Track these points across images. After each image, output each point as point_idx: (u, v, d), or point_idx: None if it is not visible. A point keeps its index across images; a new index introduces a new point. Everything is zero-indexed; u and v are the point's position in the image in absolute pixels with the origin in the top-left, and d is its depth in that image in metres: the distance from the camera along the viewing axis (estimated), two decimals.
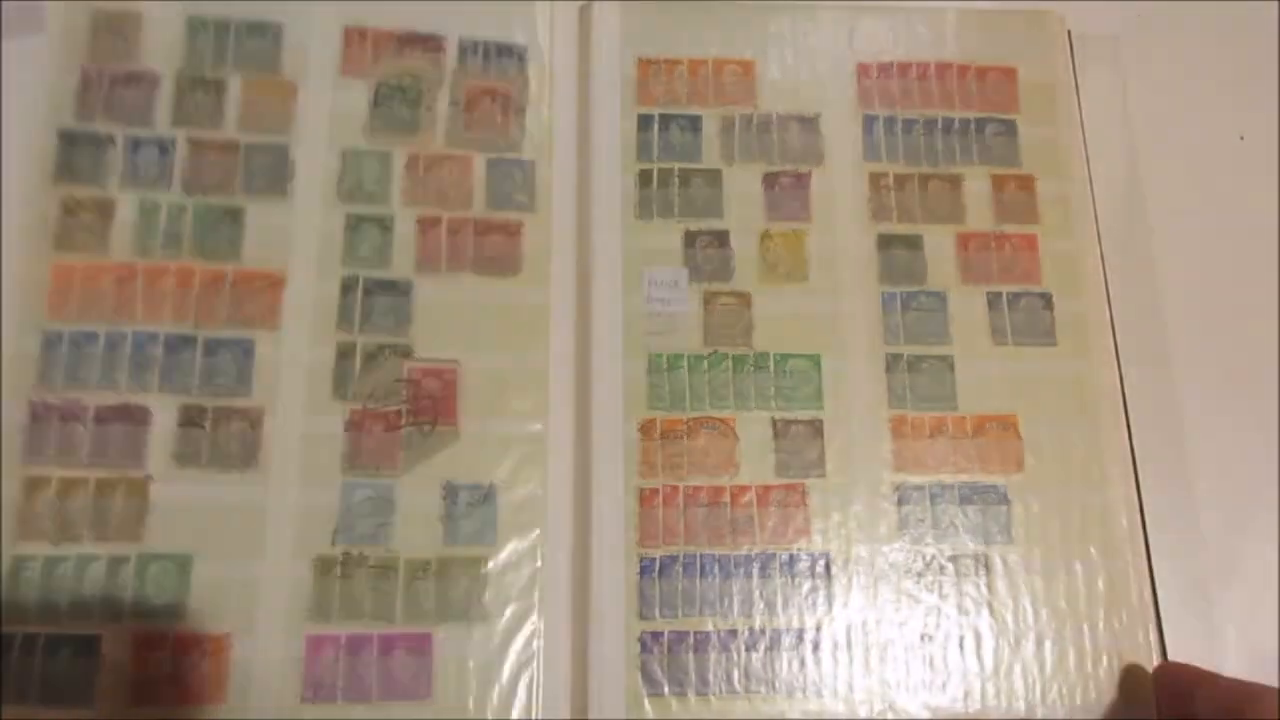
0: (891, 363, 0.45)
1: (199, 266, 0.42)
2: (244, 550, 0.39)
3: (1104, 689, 0.42)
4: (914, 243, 0.47)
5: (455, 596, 0.40)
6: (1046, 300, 0.47)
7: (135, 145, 0.43)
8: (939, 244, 0.47)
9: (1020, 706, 0.41)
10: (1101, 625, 0.43)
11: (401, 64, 0.46)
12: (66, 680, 0.37)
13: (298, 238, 0.43)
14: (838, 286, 0.46)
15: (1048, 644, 0.43)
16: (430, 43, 0.47)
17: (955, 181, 0.48)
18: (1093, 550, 0.44)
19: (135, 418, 0.40)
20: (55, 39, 0.44)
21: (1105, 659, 0.43)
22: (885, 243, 0.47)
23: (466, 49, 0.47)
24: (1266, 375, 0.47)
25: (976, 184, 0.48)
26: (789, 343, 0.45)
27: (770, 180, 0.47)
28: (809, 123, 0.48)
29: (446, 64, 0.46)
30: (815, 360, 0.45)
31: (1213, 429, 0.46)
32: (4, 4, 0.42)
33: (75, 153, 0.43)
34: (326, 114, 0.45)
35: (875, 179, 0.48)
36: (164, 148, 0.43)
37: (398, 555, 0.40)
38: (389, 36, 0.46)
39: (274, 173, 0.44)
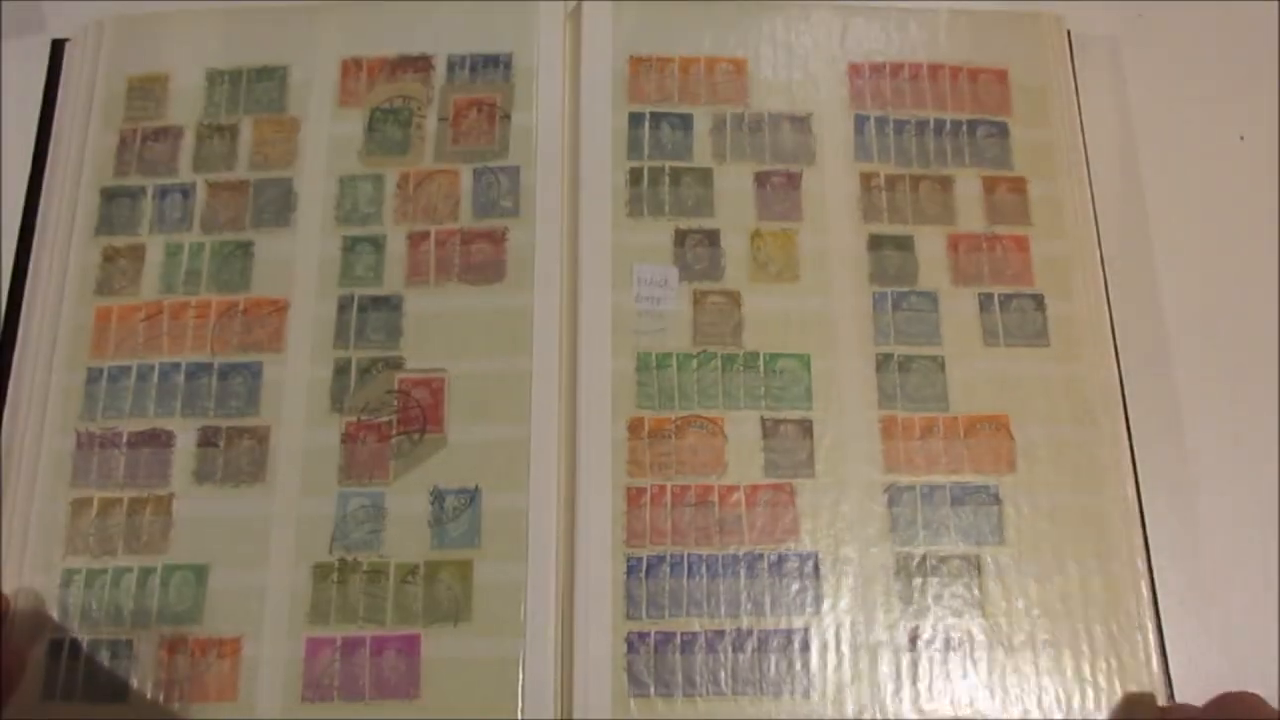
0: (882, 363, 0.44)
1: (215, 299, 0.45)
2: (253, 559, 0.42)
3: (1099, 692, 0.40)
4: (905, 243, 0.46)
5: (442, 599, 0.40)
6: (1038, 301, 0.45)
7: (163, 193, 0.47)
8: (930, 245, 0.46)
9: (1013, 711, 0.39)
10: (1096, 628, 0.40)
11: (393, 87, 0.48)
12: (105, 681, 0.41)
13: (300, 264, 0.46)
14: (828, 286, 0.45)
15: (1040, 647, 0.40)
16: (420, 63, 0.48)
17: (946, 183, 0.47)
18: (1086, 552, 0.42)
19: (161, 441, 0.44)
20: (98, 106, 0.48)
21: (1100, 662, 0.40)
22: (876, 243, 0.46)
23: (455, 64, 0.48)
24: (1266, 375, 0.45)
25: (968, 185, 0.47)
26: (779, 342, 0.44)
27: (762, 179, 0.47)
28: (801, 122, 0.48)
29: (435, 81, 0.48)
30: (805, 360, 0.44)
31: (1213, 428, 0.45)
32: (3, 4, 0.47)
33: (114, 206, 0.47)
34: (325, 144, 0.47)
35: (866, 179, 0.47)
36: (186, 193, 0.47)
37: (388, 560, 0.41)
38: (382, 63, 0.48)
39: (279, 205, 0.47)
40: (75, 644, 0.41)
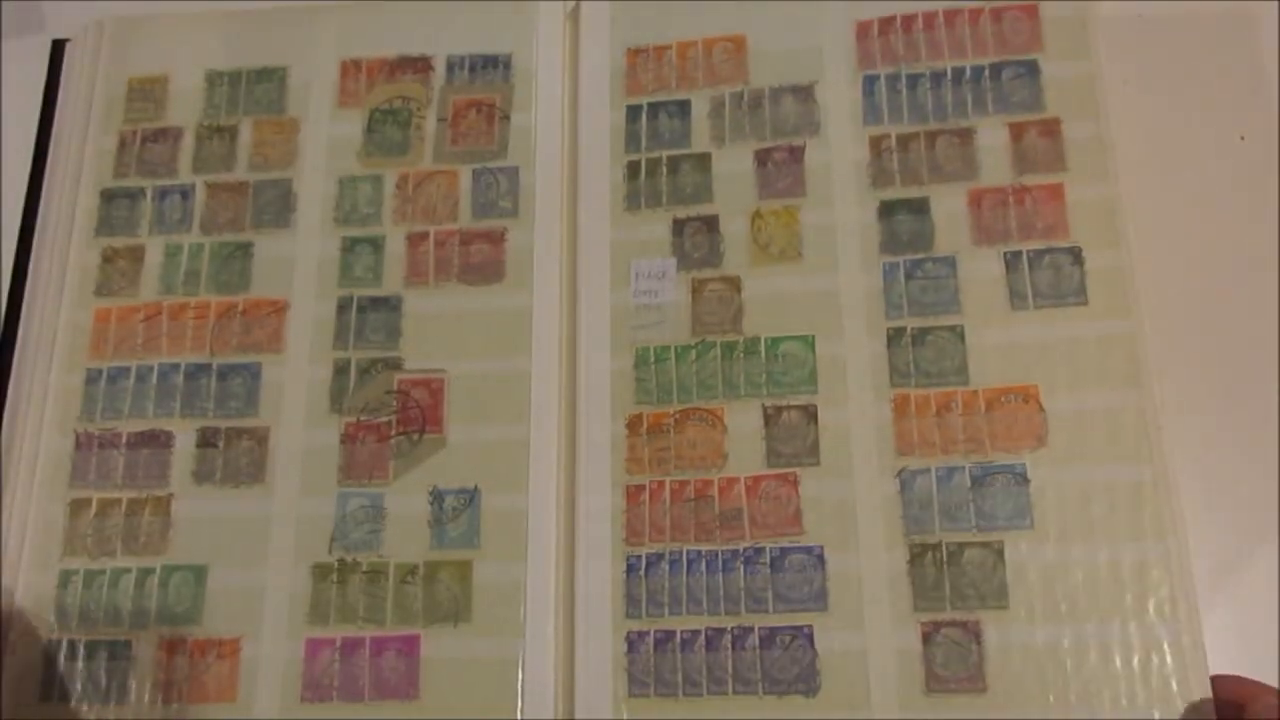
0: (893, 338, 0.43)
1: (214, 300, 0.46)
2: (252, 559, 0.43)
3: (1138, 690, 0.37)
4: (919, 206, 0.44)
5: (442, 599, 0.40)
6: (1075, 255, 0.43)
7: (162, 195, 0.47)
8: (948, 205, 0.44)
9: (1041, 709, 0.37)
10: (1136, 619, 0.38)
11: (393, 88, 0.47)
12: (104, 682, 0.40)
13: (299, 265, 0.46)
14: (834, 262, 0.44)
15: (1074, 639, 0.38)
16: (419, 64, 0.48)
17: (966, 135, 0.45)
18: (1129, 533, 0.39)
19: (160, 441, 0.44)
20: (98, 107, 0.48)
21: (1140, 655, 0.37)
22: (887, 210, 0.44)
23: (454, 65, 0.48)
24: (1265, 380, 0.43)
25: (991, 135, 0.45)
26: (781, 325, 0.43)
27: (762, 157, 0.46)
28: (803, 92, 0.47)
29: (435, 82, 0.48)
30: (809, 342, 0.43)
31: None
32: (3, 4, 0.47)
33: (113, 208, 0.47)
34: (325, 145, 0.48)
35: (876, 143, 0.45)
36: (185, 194, 0.47)
37: (388, 561, 0.41)
38: (381, 64, 0.48)
39: (279, 206, 0.47)
40: (73, 645, 0.41)
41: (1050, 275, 0.42)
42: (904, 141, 0.45)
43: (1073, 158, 0.43)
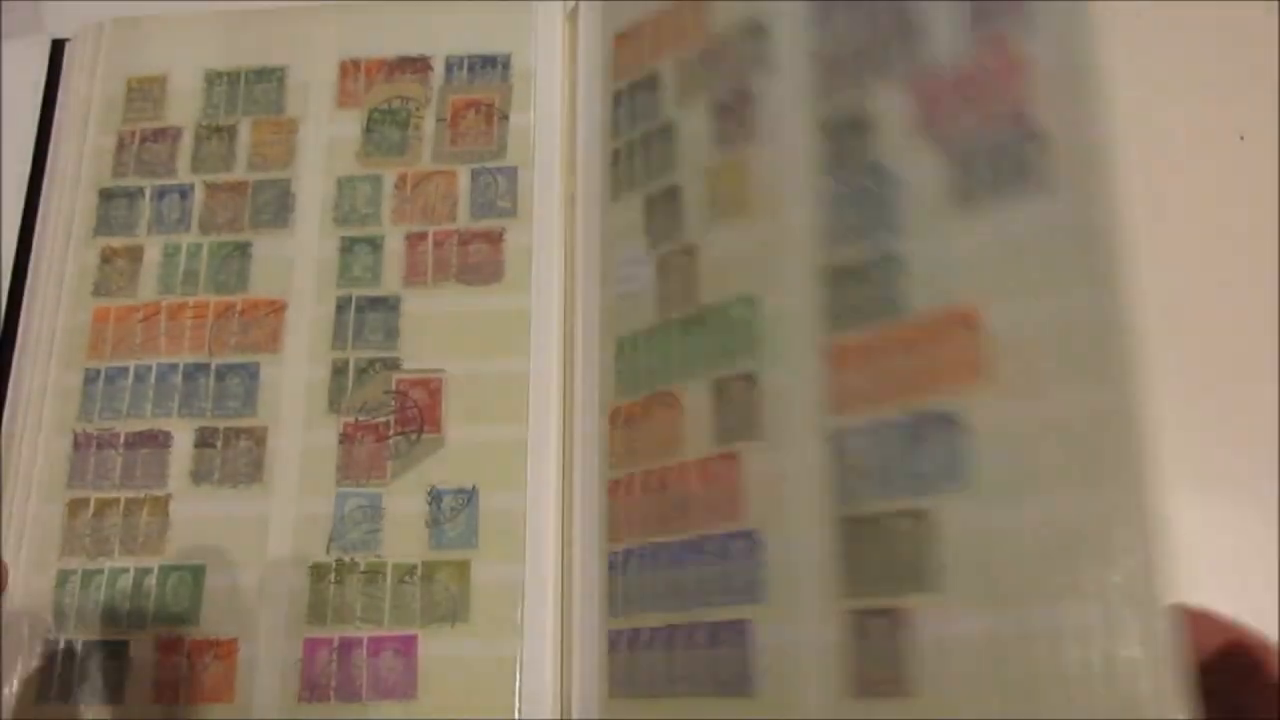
0: (834, 277, 0.35)
1: (212, 300, 0.46)
2: (250, 560, 0.42)
3: (1099, 677, 0.28)
4: (859, 113, 0.36)
5: (440, 599, 0.40)
6: (1034, 136, 0.32)
7: (160, 194, 0.47)
8: (890, 103, 0.35)
9: (980, 710, 0.30)
10: (1096, 590, 0.28)
11: (392, 88, 0.47)
12: (101, 682, 0.40)
13: (298, 265, 0.46)
14: (777, 203, 0.37)
15: (1021, 621, 0.29)
16: (418, 64, 0.48)
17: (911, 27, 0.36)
18: (1090, 481, 0.29)
19: (158, 441, 0.44)
20: (96, 107, 0.48)
21: (1094, 642, 0.28)
22: (829, 128, 0.37)
23: (453, 65, 0.48)
24: (1264, 387, 0.42)
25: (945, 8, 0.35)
26: (731, 289, 0.38)
27: (720, 111, 0.41)
28: (757, 29, 0.39)
29: (434, 82, 0.48)
30: (753, 302, 0.37)
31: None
32: (3, 4, 0.47)
33: (112, 207, 0.47)
34: (324, 145, 0.48)
35: (824, 58, 0.37)
36: (184, 193, 0.47)
37: (386, 561, 0.41)
38: (380, 64, 0.48)
39: (277, 206, 0.47)
40: (71, 645, 0.41)
41: (1008, 162, 0.32)
42: (859, 53, 0.36)
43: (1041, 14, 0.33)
